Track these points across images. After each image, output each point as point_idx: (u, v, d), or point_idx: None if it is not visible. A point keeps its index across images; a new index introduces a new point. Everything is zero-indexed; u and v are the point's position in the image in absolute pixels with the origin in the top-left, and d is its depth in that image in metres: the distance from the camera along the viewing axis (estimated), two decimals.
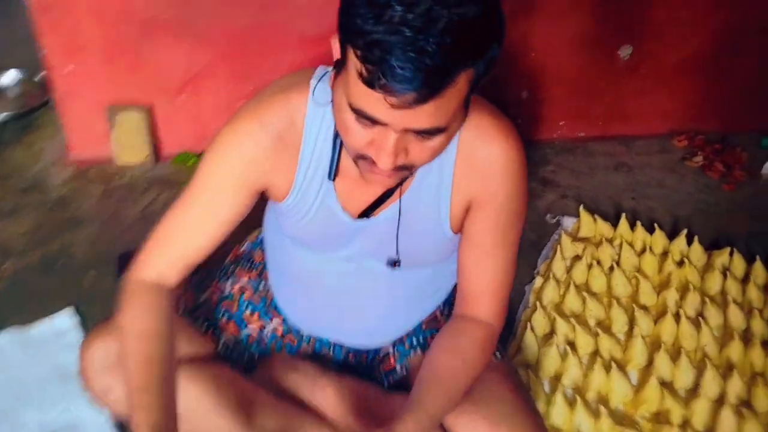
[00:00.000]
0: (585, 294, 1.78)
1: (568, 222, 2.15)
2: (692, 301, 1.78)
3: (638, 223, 2.05)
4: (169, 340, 1.05)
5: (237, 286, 1.35)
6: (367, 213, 1.11)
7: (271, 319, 1.33)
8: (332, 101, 0.91)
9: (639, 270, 1.90)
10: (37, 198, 2.17)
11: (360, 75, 0.78)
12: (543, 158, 2.52)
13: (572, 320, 1.70)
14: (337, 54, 0.87)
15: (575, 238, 2.04)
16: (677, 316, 1.70)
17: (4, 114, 2.55)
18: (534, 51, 2.42)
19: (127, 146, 2.27)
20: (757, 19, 2.47)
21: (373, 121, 0.82)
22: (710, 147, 2.57)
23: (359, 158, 0.91)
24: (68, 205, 2.14)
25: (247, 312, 1.32)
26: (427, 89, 0.76)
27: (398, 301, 1.25)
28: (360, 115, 0.83)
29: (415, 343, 1.29)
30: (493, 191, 1.08)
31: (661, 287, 1.85)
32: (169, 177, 2.27)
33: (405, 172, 0.93)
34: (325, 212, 1.10)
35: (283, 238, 1.22)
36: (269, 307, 1.34)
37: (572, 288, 1.79)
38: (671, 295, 1.79)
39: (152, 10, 2.11)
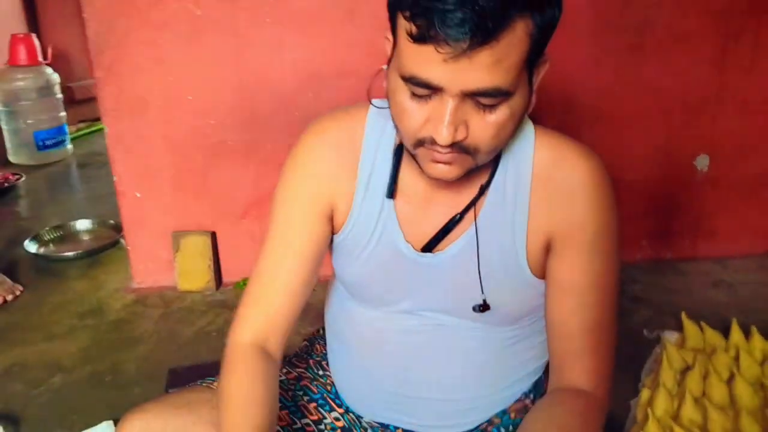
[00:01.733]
0: (706, 403, 1.49)
1: (669, 336, 1.90)
2: None
3: (754, 330, 1.79)
4: (274, 408, 0.92)
5: (293, 374, 1.17)
6: (431, 246, 0.96)
7: (330, 411, 1.12)
8: (386, 93, 0.83)
9: (766, 378, 1.61)
10: (95, 321, 2.13)
11: (410, 35, 0.71)
12: (629, 277, 2.31)
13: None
14: (389, 50, 0.81)
15: (682, 347, 1.78)
16: None
17: (74, 252, 2.60)
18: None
19: (190, 272, 2.22)
20: None
21: (428, 87, 0.74)
22: None
23: (418, 145, 0.81)
24: (124, 327, 2.09)
25: (304, 400, 1.13)
26: (481, 33, 0.68)
27: (476, 369, 1.03)
28: (414, 82, 0.74)
29: None
30: (581, 222, 0.91)
31: None
32: (230, 302, 2.19)
33: (468, 158, 0.81)
34: (386, 242, 0.96)
35: (342, 300, 1.08)
36: (328, 397, 1.14)
37: (689, 398, 1.51)
38: None
39: (220, 135, 2.16)
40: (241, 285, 2.25)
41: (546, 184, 0.91)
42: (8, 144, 4.05)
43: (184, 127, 2.14)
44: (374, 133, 0.96)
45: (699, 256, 2.44)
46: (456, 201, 0.93)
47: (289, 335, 1.00)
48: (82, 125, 4.70)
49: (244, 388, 0.91)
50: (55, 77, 4.06)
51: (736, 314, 2.03)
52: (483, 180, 0.92)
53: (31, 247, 2.64)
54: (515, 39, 0.71)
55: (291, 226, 0.98)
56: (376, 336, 1.04)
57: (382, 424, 1.09)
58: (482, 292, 0.95)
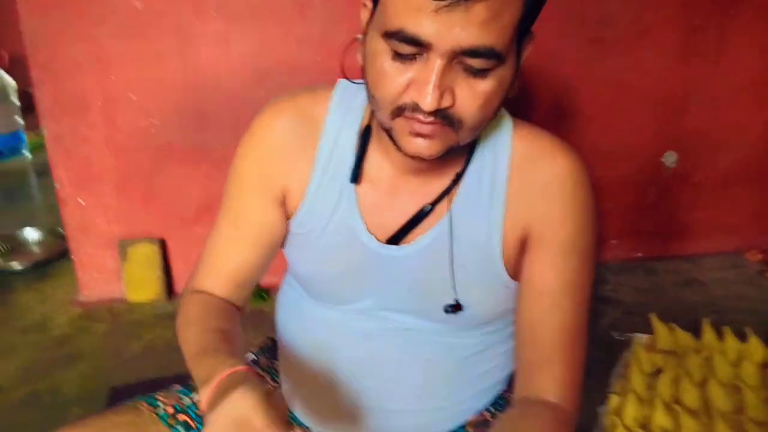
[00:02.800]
0: (678, 408, 1.41)
1: (639, 339, 1.82)
2: None
3: (727, 331, 1.71)
4: (233, 320, 0.91)
5: None
6: (396, 239, 0.87)
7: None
8: (362, 56, 0.76)
9: (740, 381, 1.53)
10: (37, 337, 2.01)
11: None
12: (599, 277, 2.24)
13: None
14: (365, 17, 0.75)
15: (653, 350, 1.70)
16: None
17: (19, 263, 2.47)
18: None
19: (139, 282, 2.11)
20: None
21: (416, 43, 0.66)
22: None
23: (396, 115, 0.72)
24: (68, 343, 1.97)
25: None
26: None
27: (439, 378, 0.94)
28: (400, 37, 0.67)
29: None
30: (559, 219, 0.84)
31: None
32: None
33: (450, 133, 0.73)
34: (345, 231, 0.87)
35: (296, 299, 1.00)
36: None
37: (659, 404, 1.43)
38: None
39: (167, 136, 2.04)
40: None
41: (523, 177, 0.84)
42: None
43: (128, 128, 2.02)
44: (338, 112, 0.88)
45: (670, 255, 2.38)
46: (427, 190, 0.85)
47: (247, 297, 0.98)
48: (41, 132, 4.54)
49: (195, 314, 0.88)
50: (11, 82, 3.92)
51: (709, 314, 1.96)
52: (457, 168, 0.85)
53: None
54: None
55: (242, 211, 0.92)
56: (331, 340, 0.95)
57: None
58: (454, 291, 0.86)
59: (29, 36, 1.93)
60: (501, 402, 1.01)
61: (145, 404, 0.96)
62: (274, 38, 1.98)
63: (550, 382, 0.85)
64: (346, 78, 0.89)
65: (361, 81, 0.80)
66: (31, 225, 2.80)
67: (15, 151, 3.99)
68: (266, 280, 0.99)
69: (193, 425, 0.96)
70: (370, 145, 0.86)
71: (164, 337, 1.92)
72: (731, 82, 2.26)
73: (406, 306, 0.90)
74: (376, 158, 0.86)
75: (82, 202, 2.08)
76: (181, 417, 0.96)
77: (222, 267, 0.94)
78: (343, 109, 0.88)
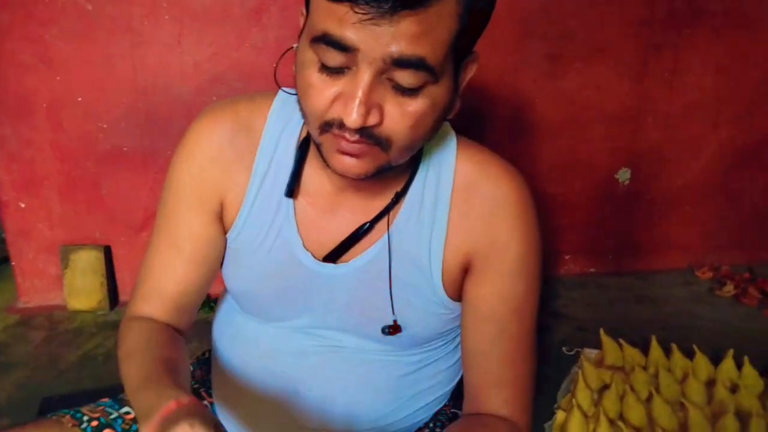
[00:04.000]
0: (621, 425, 1.40)
1: (589, 354, 1.82)
2: (758, 430, 1.39)
3: (674, 348, 1.72)
4: (177, 347, 0.85)
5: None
6: (334, 257, 0.84)
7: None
8: (294, 72, 0.72)
9: (685, 398, 1.53)
10: None
11: None
12: (551, 292, 2.24)
13: None
14: (302, 23, 0.72)
15: (601, 365, 1.69)
16: None
17: None
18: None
19: (80, 290, 2.03)
20: (763, 132, 2.33)
21: (342, 48, 0.63)
22: (740, 276, 2.30)
23: (324, 130, 0.69)
24: (2, 351, 1.88)
25: None
26: None
27: (377, 396, 0.91)
28: (326, 41, 0.63)
29: None
30: (503, 244, 0.82)
31: (714, 417, 1.47)
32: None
33: (379, 153, 0.69)
34: (281, 247, 0.84)
35: (231, 314, 0.96)
36: None
37: (603, 421, 1.42)
38: (731, 425, 1.40)
39: (114, 140, 1.99)
40: None
41: (467, 199, 0.82)
42: None
43: (74, 131, 1.96)
44: (278, 122, 0.84)
45: (622, 271, 2.40)
46: (366, 208, 0.83)
47: (191, 321, 0.93)
48: None
49: (135, 344, 0.82)
50: None
51: (658, 331, 1.97)
52: (398, 187, 0.82)
53: None
54: (444, 12, 0.62)
55: (180, 228, 0.87)
56: (266, 356, 0.91)
57: None
58: (393, 312, 0.84)
59: None
60: (441, 418, 0.99)
61: (68, 417, 0.91)
62: (228, 43, 1.95)
63: (501, 403, 0.84)
64: (282, 88, 0.86)
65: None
66: None
67: None
68: (214, 289, 0.94)
69: None
70: (308, 159, 0.83)
71: (104, 347, 1.83)
72: (685, 102, 2.29)
73: (342, 325, 0.87)
74: (314, 173, 0.83)
75: (23, 205, 2.00)
76: (106, 431, 0.92)
77: (162, 290, 0.88)
78: (283, 120, 0.85)
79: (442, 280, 0.84)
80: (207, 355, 1.15)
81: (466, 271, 0.85)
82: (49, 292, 2.07)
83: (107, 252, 2.06)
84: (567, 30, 2.15)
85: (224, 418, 0.99)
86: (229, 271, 0.91)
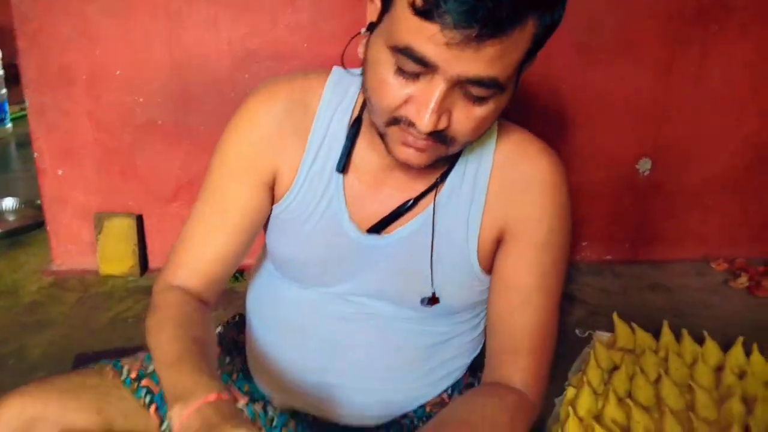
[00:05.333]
0: (629, 402, 1.45)
1: (601, 336, 1.87)
2: (763, 415, 1.43)
3: (685, 333, 1.77)
4: (209, 330, 0.88)
5: None
6: (378, 229, 0.90)
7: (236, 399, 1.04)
8: (364, 54, 0.77)
9: (693, 381, 1.58)
10: (7, 303, 2.00)
11: (412, 5, 0.64)
12: (567, 276, 2.28)
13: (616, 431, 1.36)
14: (372, 14, 0.75)
15: (612, 347, 1.74)
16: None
17: None
18: None
19: (113, 255, 2.11)
20: None
21: (422, 64, 0.67)
22: (754, 269, 2.33)
23: (391, 123, 0.75)
24: (37, 310, 1.96)
25: None
26: (493, 24, 0.63)
27: (405, 363, 0.97)
28: (407, 54, 0.67)
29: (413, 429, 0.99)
30: (535, 218, 0.88)
31: (721, 400, 1.52)
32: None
33: (442, 148, 0.76)
34: (329, 218, 0.90)
35: (270, 279, 1.01)
36: (231, 386, 1.06)
37: (612, 398, 1.47)
38: (736, 408, 1.45)
39: (150, 114, 2.05)
40: None
41: (504, 178, 0.88)
42: None
43: (112, 103, 2.03)
44: (332, 101, 0.89)
45: (638, 260, 2.43)
46: (410, 185, 0.89)
47: (220, 292, 0.96)
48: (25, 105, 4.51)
49: (169, 318, 0.84)
50: None
51: (670, 318, 2.01)
52: (443, 168, 0.88)
53: None
54: (523, 37, 0.67)
55: (226, 195, 0.91)
56: (304, 320, 0.97)
57: (293, 412, 1.01)
58: (432, 284, 0.90)
59: (18, 7, 1.94)
60: (458, 386, 1.05)
61: (109, 368, 0.97)
62: (263, 23, 2.00)
63: (517, 370, 0.89)
64: (343, 66, 0.90)
65: (355, 70, 0.82)
66: (9, 195, 2.80)
67: None
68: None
69: (155, 391, 0.97)
70: (359, 137, 0.88)
71: (134, 310, 1.92)
72: (712, 96, 2.30)
73: (382, 293, 0.92)
74: (364, 150, 0.88)
75: (60, 173, 2.09)
76: (144, 382, 0.98)
77: (200, 258, 0.92)
78: (337, 98, 0.89)
79: (478, 253, 0.89)
80: (237, 318, 1.21)
81: (498, 244, 0.90)
82: (82, 257, 2.16)
83: (139, 220, 2.14)
84: (596, 22, 2.17)
85: (257, 375, 1.06)
86: (275, 240, 0.95)
